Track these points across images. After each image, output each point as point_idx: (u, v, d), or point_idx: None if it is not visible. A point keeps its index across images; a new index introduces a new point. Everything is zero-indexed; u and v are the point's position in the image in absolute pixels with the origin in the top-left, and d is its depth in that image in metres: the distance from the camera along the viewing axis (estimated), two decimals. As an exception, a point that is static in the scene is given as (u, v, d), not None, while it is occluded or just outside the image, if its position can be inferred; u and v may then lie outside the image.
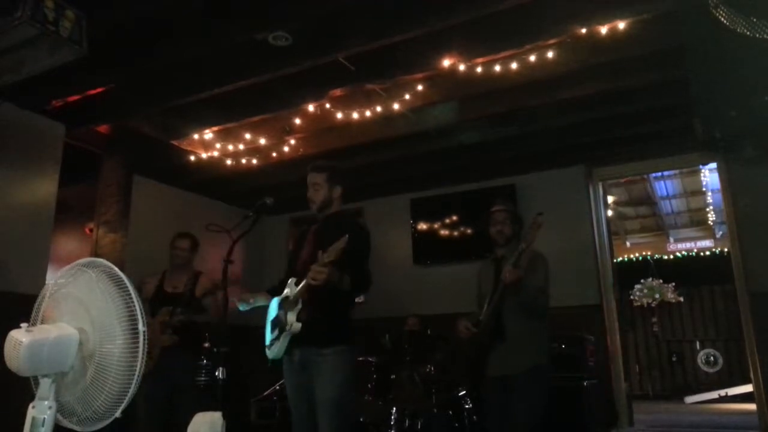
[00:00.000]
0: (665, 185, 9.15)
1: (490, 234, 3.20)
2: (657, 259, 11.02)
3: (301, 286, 2.55)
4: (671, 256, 11.06)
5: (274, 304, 2.74)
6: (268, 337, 2.72)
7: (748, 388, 7.76)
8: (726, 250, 8.37)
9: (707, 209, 9.58)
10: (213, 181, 5.91)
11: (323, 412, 2.51)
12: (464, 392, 4.34)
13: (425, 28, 3.36)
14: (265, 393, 5.10)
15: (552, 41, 3.72)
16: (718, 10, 1.54)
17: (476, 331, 3.02)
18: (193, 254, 4.06)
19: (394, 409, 4.03)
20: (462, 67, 3.95)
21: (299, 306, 2.56)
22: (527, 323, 2.92)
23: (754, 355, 4.71)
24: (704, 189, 8.63)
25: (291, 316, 2.55)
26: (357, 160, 5.44)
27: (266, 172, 5.64)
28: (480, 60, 3.90)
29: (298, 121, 4.80)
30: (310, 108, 4.57)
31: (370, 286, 2.71)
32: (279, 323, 2.63)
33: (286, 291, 2.68)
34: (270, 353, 2.70)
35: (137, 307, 1.64)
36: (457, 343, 3.15)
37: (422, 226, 6.36)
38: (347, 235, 2.40)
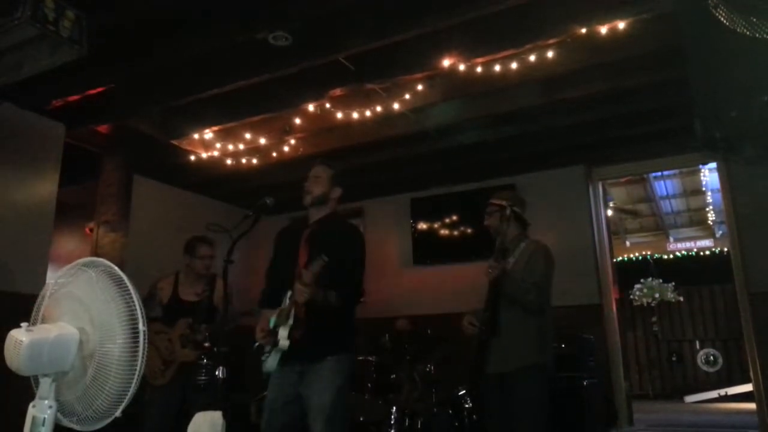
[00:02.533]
0: (665, 185, 9.15)
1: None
2: (657, 258, 11.03)
3: (289, 303, 2.50)
4: (671, 256, 11.06)
5: (270, 317, 2.65)
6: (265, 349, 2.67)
7: (747, 387, 7.76)
8: (726, 249, 8.36)
9: (707, 209, 9.59)
10: (213, 181, 5.91)
11: (318, 417, 2.45)
12: (464, 392, 4.34)
13: (425, 28, 3.36)
14: (265, 393, 5.10)
15: (552, 41, 3.72)
16: (718, 9, 1.53)
17: (477, 326, 3.00)
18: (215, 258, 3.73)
19: (394, 408, 4.03)
20: (462, 67, 3.95)
21: (290, 321, 2.49)
22: (523, 319, 2.88)
23: (753, 355, 4.71)
24: (704, 189, 8.63)
25: (282, 332, 2.49)
26: (357, 160, 5.44)
27: (266, 172, 5.64)
28: (480, 60, 3.90)
29: (298, 121, 4.81)
30: (310, 108, 4.57)
31: (362, 297, 2.66)
32: (272, 337, 2.56)
33: (283, 305, 2.60)
34: (264, 366, 2.63)
35: (137, 307, 1.64)
36: (463, 339, 3.12)
37: (422, 226, 6.36)
38: (322, 260, 2.34)
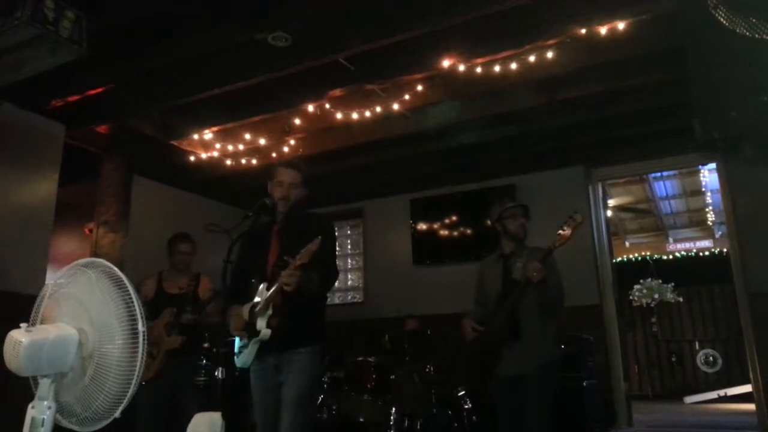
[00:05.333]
0: (665, 185, 9.15)
1: (508, 229, 3.16)
2: (656, 259, 11.02)
3: (272, 291, 2.48)
4: (670, 256, 11.05)
5: (244, 311, 2.63)
6: (237, 344, 2.66)
7: (747, 388, 7.76)
8: (725, 250, 8.36)
9: (706, 209, 9.58)
10: (213, 181, 5.91)
11: (289, 408, 2.48)
12: (464, 392, 4.34)
13: (425, 28, 3.36)
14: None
15: (552, 41, 3.72)
16: (718, 10, 1.54)
17: (482, 329, 3.01)
18: (194, 256, 4.01)
19: (394, 409, 4.02)
20: (462, 67, 3.95)
21: (269, 312, 2.50)
22: (542, 321, 2.93)
23: (753, 355, 4.71)
24: (704, 189, 8.63)
25: (261, 322, 2.49)
26: (357, 160, 5.45)
27: (266, 172, 5.63)
28: (480, 60, 3.90)
29: (298, 121, 4.81)
30: (310, 108, 4.57)
31: (336, 279, 2.78)
32: (248, 330, 2.55)
33: (257, 297, 2.58)
34: (239, 361, 2.63)
35: (137, 308, 1.64)
36: (463, 343, 3.13)
37: (422, 226, 6.36)
38: (320, 237, 2.38)
